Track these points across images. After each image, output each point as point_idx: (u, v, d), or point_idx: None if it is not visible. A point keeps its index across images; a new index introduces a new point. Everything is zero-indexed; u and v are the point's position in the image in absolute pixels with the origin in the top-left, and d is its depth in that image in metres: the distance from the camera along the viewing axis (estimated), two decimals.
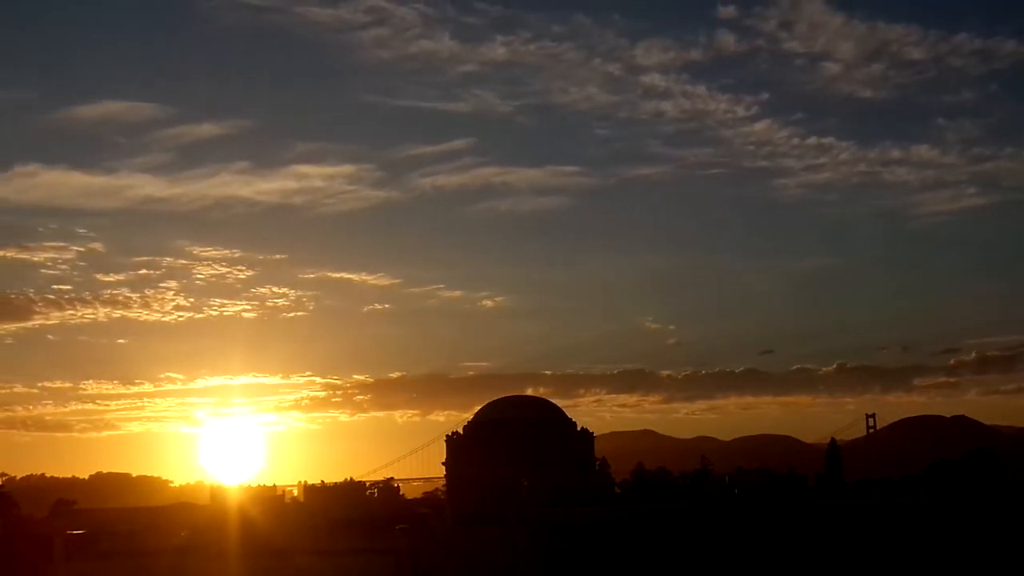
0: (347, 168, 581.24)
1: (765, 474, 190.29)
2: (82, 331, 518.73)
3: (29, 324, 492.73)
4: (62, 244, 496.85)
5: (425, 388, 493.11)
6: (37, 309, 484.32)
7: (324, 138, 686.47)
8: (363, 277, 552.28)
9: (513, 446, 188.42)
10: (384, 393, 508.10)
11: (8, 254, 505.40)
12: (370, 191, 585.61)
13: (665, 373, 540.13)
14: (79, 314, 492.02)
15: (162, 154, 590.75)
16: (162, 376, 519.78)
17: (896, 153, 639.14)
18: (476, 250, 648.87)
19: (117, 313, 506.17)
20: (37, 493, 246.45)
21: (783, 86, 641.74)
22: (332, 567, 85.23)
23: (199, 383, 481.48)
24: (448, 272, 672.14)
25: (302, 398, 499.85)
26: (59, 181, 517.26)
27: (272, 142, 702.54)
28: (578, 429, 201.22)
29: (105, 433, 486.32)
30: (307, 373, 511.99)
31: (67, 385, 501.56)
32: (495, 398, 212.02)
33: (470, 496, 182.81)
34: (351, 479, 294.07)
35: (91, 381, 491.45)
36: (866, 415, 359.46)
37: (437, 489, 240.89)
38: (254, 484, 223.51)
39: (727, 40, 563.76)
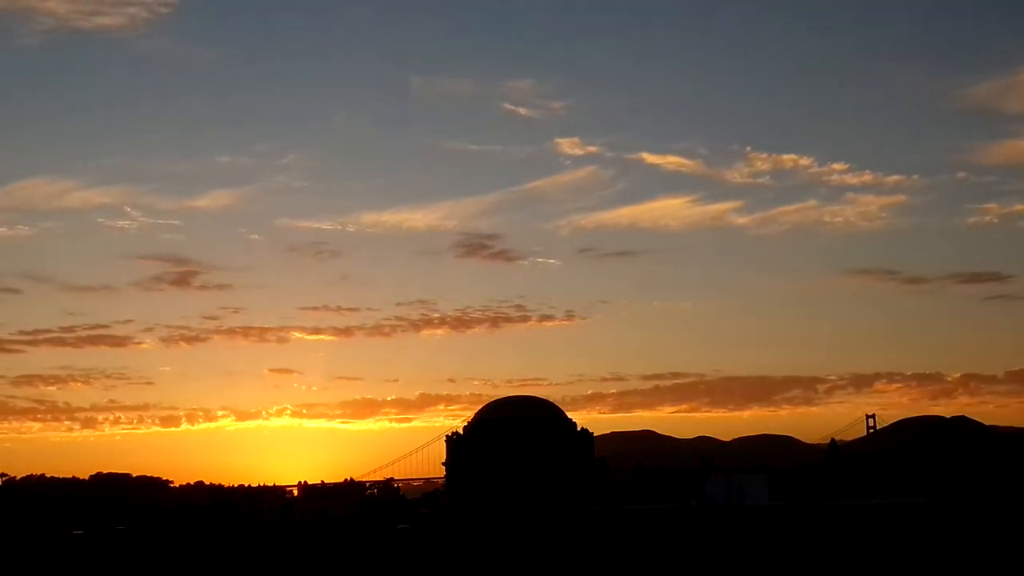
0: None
1: (765, 474, 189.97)
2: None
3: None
4: None
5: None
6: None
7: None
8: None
9: (513, 446, 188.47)
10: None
11: None
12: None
13: None
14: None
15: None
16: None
17: None
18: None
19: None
20: (37, 493, 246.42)
21: None
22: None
23: None
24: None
25: None
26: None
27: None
28: (578, 429, 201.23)
29: None
30: None
31: None
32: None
33: (470, 496, 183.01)
34: (351, 479, 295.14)
35: None
36: (866, 415, 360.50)
37: (437, 489, 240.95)
38: None
39: None
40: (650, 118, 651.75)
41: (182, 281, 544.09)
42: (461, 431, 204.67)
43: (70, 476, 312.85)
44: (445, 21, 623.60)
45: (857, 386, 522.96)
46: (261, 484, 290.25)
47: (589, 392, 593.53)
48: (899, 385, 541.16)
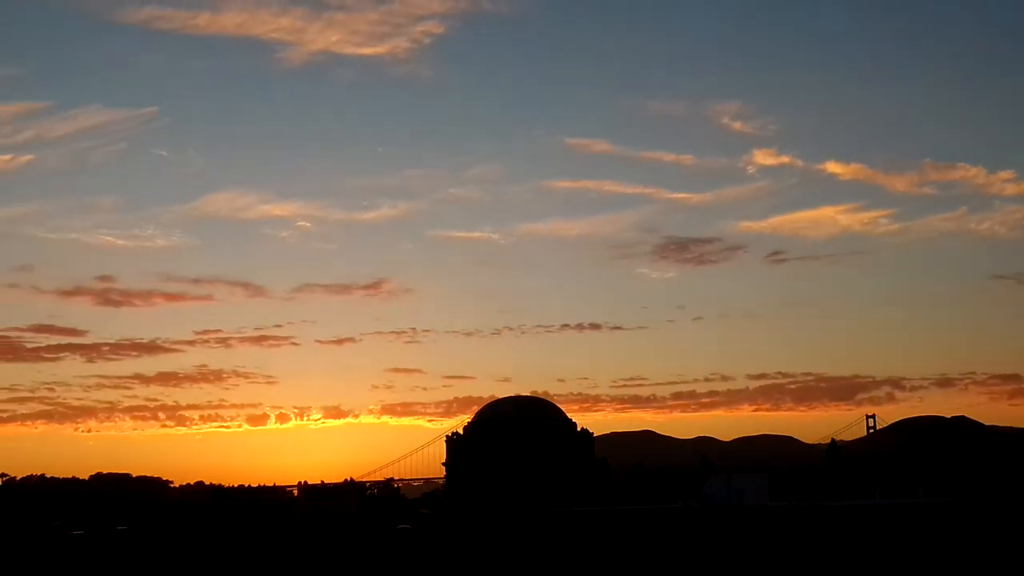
0: None
1: (765, 474, 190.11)
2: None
3: None
4: None
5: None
6: None
7: None
8: None
9: (513, 446, 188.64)
10: None
11: None
12: None
13: None
14: None
15: None
16: None
17: None
18: None
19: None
20: (37, 493, 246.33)
21: None
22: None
23: None
24: None
25: None
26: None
27: None
28: (578, 430, 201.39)
29: None
30: None
31: None
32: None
33: (470, 496, 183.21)
34: (350, 479, 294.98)
35: None
36: (866, 416, 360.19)
37: (437, 489, 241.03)
38: None
39: None
40: (842, 130, 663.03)
41: (374, 287, 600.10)
42: (461, 431, 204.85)
43: (70, 476, 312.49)
44: (664, 53, 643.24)
45: (941, 385, 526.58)
46: (261, 484, 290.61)
47: (681, 391, 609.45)
48: (980, 385, 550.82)
